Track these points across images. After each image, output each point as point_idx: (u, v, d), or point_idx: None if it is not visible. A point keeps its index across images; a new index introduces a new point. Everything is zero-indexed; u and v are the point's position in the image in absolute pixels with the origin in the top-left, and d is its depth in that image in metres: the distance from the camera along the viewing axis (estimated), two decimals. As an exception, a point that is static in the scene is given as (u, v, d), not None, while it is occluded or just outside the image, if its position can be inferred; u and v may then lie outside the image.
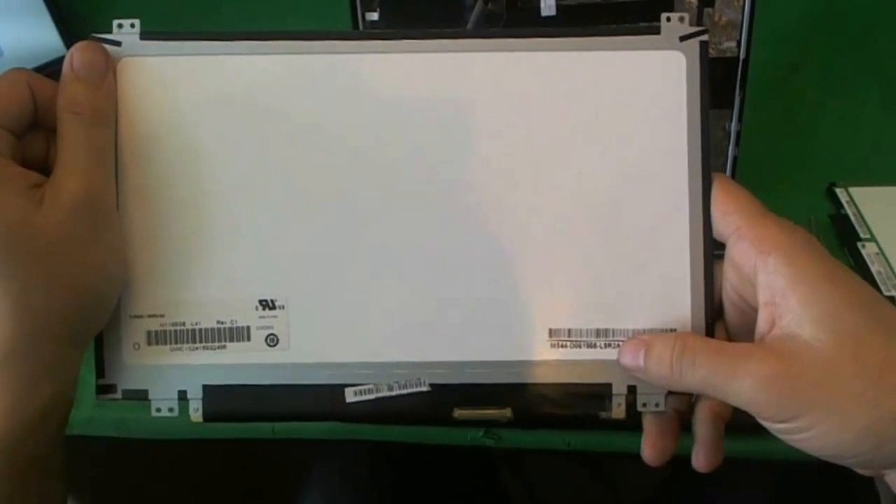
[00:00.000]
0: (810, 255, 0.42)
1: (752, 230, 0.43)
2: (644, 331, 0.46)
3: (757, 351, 0.42)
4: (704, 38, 0.46)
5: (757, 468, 0.75)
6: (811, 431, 0.40)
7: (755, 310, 0.43)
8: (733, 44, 0.70)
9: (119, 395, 0.47)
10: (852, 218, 0.75)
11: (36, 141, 0.45)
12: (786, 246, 0.42)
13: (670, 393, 0.46)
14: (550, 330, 0.47)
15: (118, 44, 0.46)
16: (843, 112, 0.84)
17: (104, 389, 0.47)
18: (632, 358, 0.45)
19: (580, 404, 0.46)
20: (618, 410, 0.46)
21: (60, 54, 0.84)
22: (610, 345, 0.46)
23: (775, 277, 0.42)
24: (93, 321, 0.45)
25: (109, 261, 0.45)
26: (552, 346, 0.46)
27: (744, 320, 0.45)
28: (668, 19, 0.46)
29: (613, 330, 0.46)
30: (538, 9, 0.68)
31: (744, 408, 0.41)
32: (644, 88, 0.46)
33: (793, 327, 0.41)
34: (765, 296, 0.42)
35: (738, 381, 0.41)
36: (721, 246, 0.46)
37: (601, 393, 0.46)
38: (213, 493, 1.10)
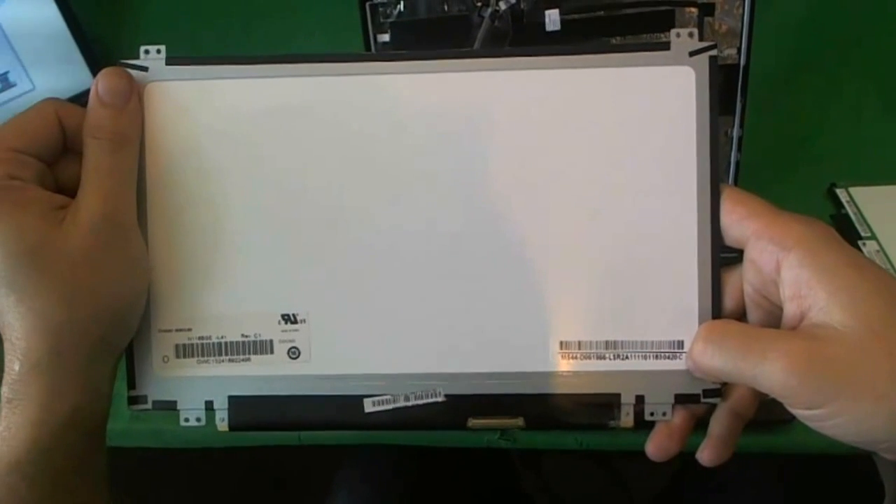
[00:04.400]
0: (832, 245, 0.41)
1: (770, 228, 0.43)
2: (653, 342, 0.46)
3: (788, 335, 0.41)
4: (713, 52, 0.46)
5: (763, 462, 0.75)
6: (843, 417, 0.39)
7: (780, 308, 0.43)
8: (734, 51, 0.70)
9: (149, 405, 0.48)
10: (853, 217, 0.75)
11: (69, 165, 0.46)
12: (807, 239, 0.41)
13: (678, 402, 0.46)
14: (561, 342, 0.47)
15: (145, 69, 0.47)
16: (842, 114, 0.83)
17: (135, 400, 0.48)
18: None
19: (590, 413, 0.47)
20: (626, 420, 0.46)
21: (89, 85, 0.84)
22: (619, 356, 0.46)
23: (800, 270, 0.41)
24: (116, 335, 0.46)
25: (130, 278, 0.45)
26: (563, 357, 0.47)
27: (769, 320, 0.45)
28: (678, 35, 0.46)
29: (622, 342, 0.46)
30: (543, 24, 0.68)
31: (774, 393, 0.41)
32: (654, 103, 0.46)
33: (822, 317, 0.40)
34: (790, 290, 0.42)
35: (769, 363, 0.40)
36: (730, 251, 0.46)
37: (610, 402, 0.46)
38: (244, 498, 1.10)
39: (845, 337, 0.39)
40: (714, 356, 0.43)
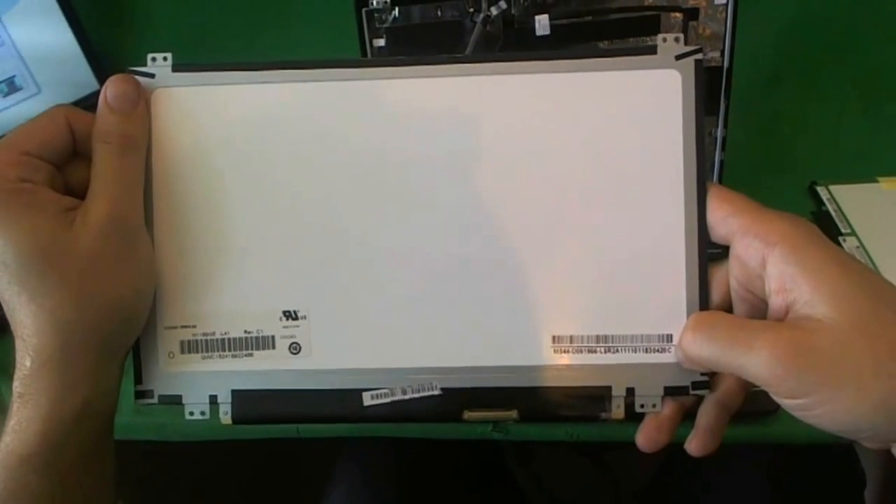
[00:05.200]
0: (815, 242, 0.42)
1: (756, 225, 0.43)
2: (642, 336, 0.47)
3: (774, 325, 0.42)
4: (699, 56, 0.46)
5: (748, 452, 0.76)
6: (826, 407, 0.40)
7: (764, 302, 0.44)
8: (717, 54, 0.70)
9: (156, 399, 0.48)
10: (833, 214, 0.75)
11: (78, 168, 0.47)
12: (791, 235, 0.42)
13: (667, 394, 0.47)
14: (554, 336, 0.47)
15: (152, 76, 0.48)
16: (823, 114, 0.84)
17: (142, 395, 0.48)
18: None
19: (582, 406, 0.47)
20: (617, 411, 0.47)
21: (93, 89, 0.86)
22: (610, 350, 0.47)
23: (784, 266, 0.42)
24: (124, 332, 0.46)
25: (137, 277, 0.46)
26: (555, 351, 0.47)
27: (754, 314, 0.45)
28: (665, 39, 0.46)
29: (613, 336, 0.47)
30: (533, 29, 0.68)
31: (759, 381, 0.41)
32: (642, 105, 0.47)
33: (806, 310, 0.41)
34: (775, 284, 0.42)
35: (756, 352, 0.40)
36: (716, 247, 0.46)
37: (601, 395, 0.47)
38: (244, 490, 1.11)
39: (830, 329, 0.40)
40: (702, 346, 0.44)
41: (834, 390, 0.39)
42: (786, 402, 0.41)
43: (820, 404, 0.40)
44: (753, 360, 0.41)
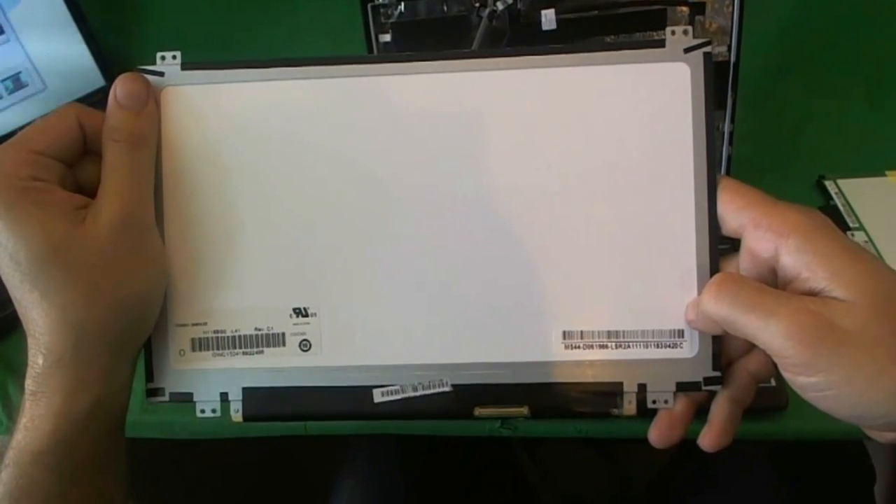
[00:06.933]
0: (828, 232, 0.42)
1: (768, 217, 0.43)
2: (653, 332, 0.47)
3: (799, 297, 0.41)
4: (708, 49, 0.46)
5: (757, 449, 0.76)
6: (842, 388, 0.39)
7: None
8: (724, 48, 0.71)
9: (167, 397, 0.48)
10: (841, 209, 0.76)
11: (89, 167, 0.47)
12: (804, 226, 0.42)
13: (679, 390, 0.47)
14: (564, 332, 0.47)
15: (161, 74, 0.48)
16: (830, 108, 0.84)
17: (153, 393, 0.48)
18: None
19: (593, 402, 0.47)
20: (629, 408, 0.47)
21: (99, 85, 0.87)
22: (621, 345, 0.47)
23: (799, 255, 0.41)
24: (135, 330, 0.47)
25: (148, 273, 0.46)
26: (566, 347, 0.47)
27: None
28: (673, 33, 0.46)
29: (624, 331, 0.47)
30: (539, 24, 0.69)
31: (773, 349, 0.41)
32: (651, 99, 0.47)
33: (824, 295, 0.41)
34: (791, 274, 0.42)
35: (776, 319, 0.40)
36: (725, 242, 0.46)
37: (613, 391, 0.47)
38: (252, 487, 1.11)
39: (851, 309, 0.40)
40: (724, 304, 0.43)
41: (851, 369, 0.39)
42: (798, 381, 0.41)
43: (834, 385, 0.40)
44: (773, 326, 0.40)
